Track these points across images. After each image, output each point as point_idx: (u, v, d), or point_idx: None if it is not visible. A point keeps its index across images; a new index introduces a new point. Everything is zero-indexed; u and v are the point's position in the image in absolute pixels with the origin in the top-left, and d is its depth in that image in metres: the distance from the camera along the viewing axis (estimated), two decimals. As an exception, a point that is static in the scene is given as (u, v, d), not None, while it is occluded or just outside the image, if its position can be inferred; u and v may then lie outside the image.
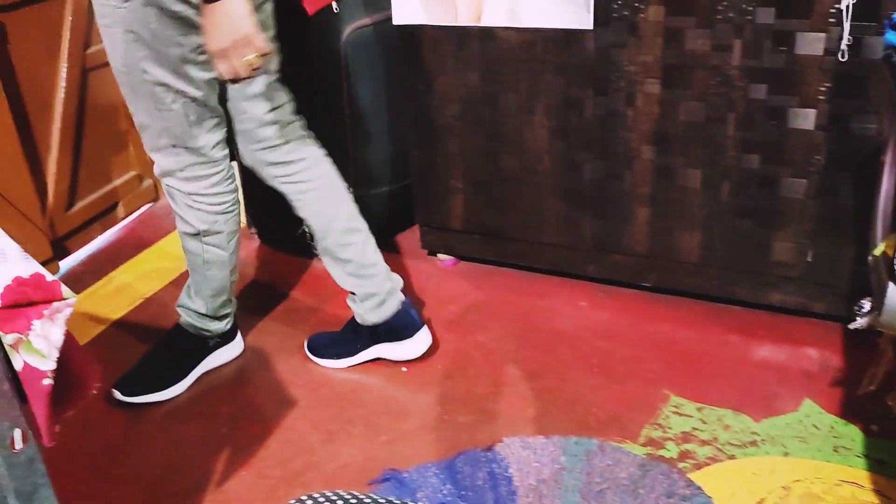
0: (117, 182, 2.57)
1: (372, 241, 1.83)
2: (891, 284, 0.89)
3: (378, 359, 1.88)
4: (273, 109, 1.67)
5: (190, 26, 1.48)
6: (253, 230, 2.49)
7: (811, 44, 1.63)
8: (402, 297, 1.86)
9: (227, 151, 1.70)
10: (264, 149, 1.71)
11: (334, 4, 2.03)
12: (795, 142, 1.72)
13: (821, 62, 1.64)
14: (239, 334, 1.95)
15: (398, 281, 1.87)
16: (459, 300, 2.13)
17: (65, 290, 0.91)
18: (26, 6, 2.17)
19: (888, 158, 1.10)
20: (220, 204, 1.71)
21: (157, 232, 2.57)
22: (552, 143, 1.96)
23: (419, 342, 1.88)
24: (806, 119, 1.69)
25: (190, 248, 1.75)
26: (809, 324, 1.90)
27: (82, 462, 1.66)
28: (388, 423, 1.72)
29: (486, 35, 1.91)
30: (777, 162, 1.75)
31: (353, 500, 0.66)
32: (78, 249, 2.45)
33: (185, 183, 1.67)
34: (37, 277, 0.88)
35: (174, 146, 1.62)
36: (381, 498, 0.67)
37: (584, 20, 1.78)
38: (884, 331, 0.96)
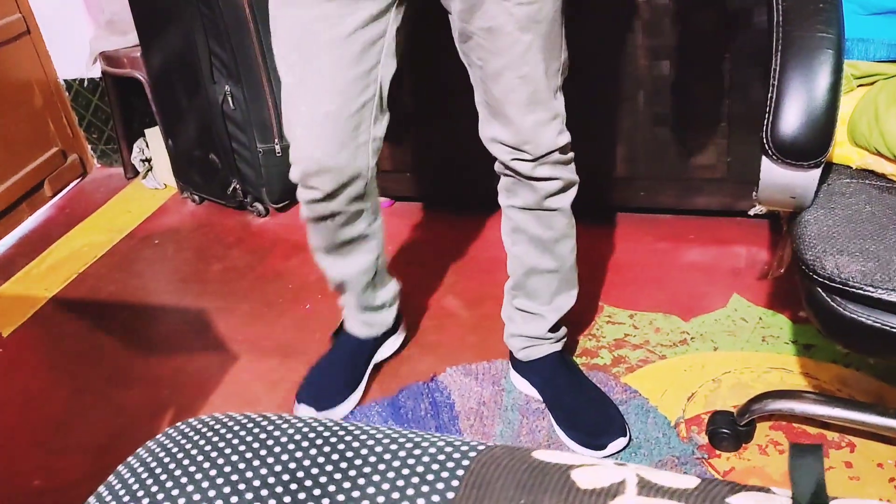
0: (40, 160, 2.51)
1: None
2: (763, 159, 0.91)
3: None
4: None
5: None
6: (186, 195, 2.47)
7: (707, -59, 1.63)
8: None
9: None
10: None
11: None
12: (702, 43, 1.72)
13: (718, -42, 1.64)
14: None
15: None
16: (396, 239, 2.13)
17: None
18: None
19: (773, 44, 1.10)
20: None
21: (88, 207, 2.52)
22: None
23: (398, 337, 1.73)
24: (709, 19, 1.69)
25: None
26: (735, 223, 1.93)
27: (26, 438, 1.65)
28: (330, 366, 1.73)
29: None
30: (686, 65, 1.76)
31: (244, 421, 0.65)
32: (8, 233, 2.41)
33: None
34: None
35: None
36: (279, 417, 0.67)
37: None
38: (767, 207, 0.98)
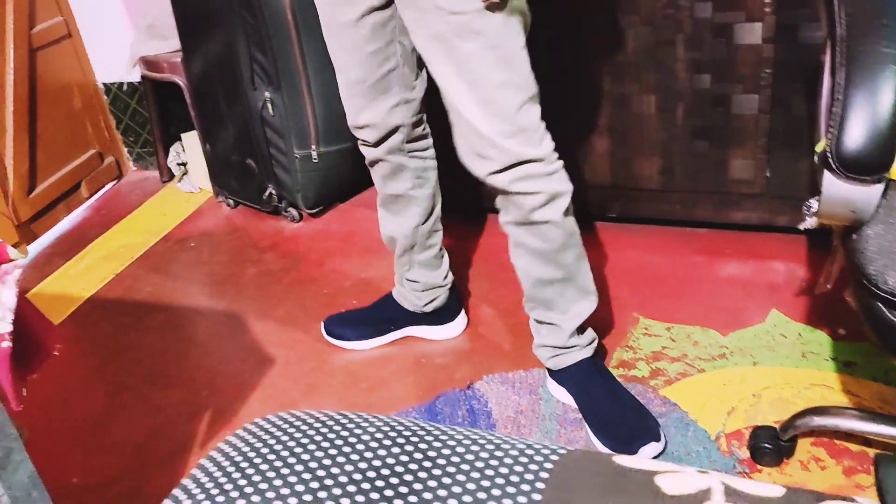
0: (78, 161, 2.55)
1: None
2: (826, 172, 0.91)
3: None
4: None
5: None
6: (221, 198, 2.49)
7: (752, -44, 1.63)
8: (451, 278, 1.79)
9: None
10: None
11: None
12: (744, 57, 1.73)
13: (763, -26, 1.64)
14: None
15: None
16: (430, 248, 2.14)
17: (12, 252, 0.91)
18: (-36, -11, 2.14)
19: (826, 58, 1.10)
20: None
21: (123, 209, 2.56)
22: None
23: (457, 325, 1.81)
24: (753, 33, 1.69)
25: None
26: (773, 238, 1.92)
27: (65, 437, 1.67)
28: (366, 371, 1.74)
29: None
30: (728, 79, 1.76)
31: (320, 417, 0.66)
32: (45, 232, 2.44)
33: None
34: (-19, 240, 0.88)
35: None
36: (338, 414, 0.68)
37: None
38: (825, 222, 0.98)
